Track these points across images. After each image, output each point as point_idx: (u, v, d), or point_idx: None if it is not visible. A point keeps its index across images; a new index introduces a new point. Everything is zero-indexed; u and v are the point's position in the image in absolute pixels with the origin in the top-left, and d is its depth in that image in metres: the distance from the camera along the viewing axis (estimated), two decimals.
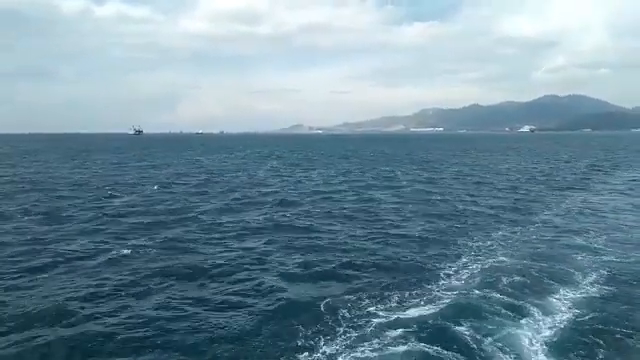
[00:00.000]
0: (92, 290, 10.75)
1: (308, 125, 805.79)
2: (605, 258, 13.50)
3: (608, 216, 20.10)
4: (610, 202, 23.93)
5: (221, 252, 14.23)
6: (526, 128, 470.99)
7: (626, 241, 15.64)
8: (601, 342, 8.34)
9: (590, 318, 9.32)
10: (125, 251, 14.01)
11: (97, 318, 9.29)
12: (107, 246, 14.68)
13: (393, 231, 17.20)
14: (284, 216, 19.84)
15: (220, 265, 12.78)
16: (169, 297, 10.45)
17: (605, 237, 16.07)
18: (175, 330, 8.85)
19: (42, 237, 15.75)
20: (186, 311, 9.71)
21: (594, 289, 10.98)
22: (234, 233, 16.73)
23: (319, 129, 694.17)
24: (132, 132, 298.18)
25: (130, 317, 9.36)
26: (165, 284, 11.31)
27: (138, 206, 22.23)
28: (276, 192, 27.39)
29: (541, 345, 8.22)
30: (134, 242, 15.26)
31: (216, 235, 16.41)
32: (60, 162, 54.15)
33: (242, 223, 18.45)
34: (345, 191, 27.89)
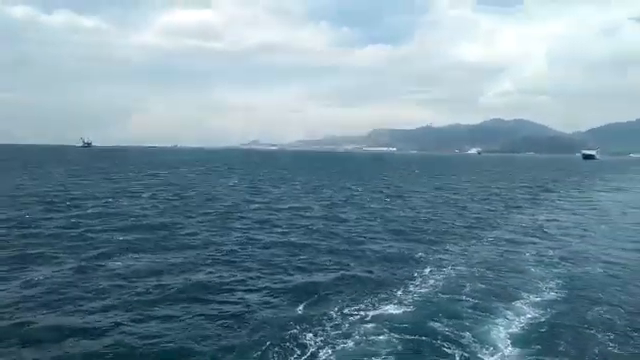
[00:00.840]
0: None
1: (265, 142, 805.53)
2: (555, 269, 15.55)
3: (553, 231, 22.57)
4: (557, 219, 26.68)
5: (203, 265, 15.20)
6: (474, 150, 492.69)
7: (573, 252, 17.92)
8: (556, 340, 10.03)
9: (545, 319, 11.06)
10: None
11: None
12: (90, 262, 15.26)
13: (361, 247, 18.58)
14: (261, 230, 20.95)
15: (206, 280, 13.81)
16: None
17: (553, 249, 18.31)
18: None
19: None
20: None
21: (548, 294, 12.86)
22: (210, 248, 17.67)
23: (275, 146, 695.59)
24: (81, 144, 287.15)
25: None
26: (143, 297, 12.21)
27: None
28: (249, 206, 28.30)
29: (504, 340, 9.81)
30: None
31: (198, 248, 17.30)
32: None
33: (219, 238, 19.39)
34: (311, 208, 29.16)
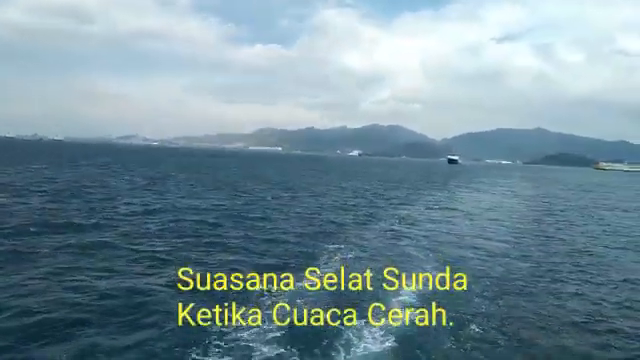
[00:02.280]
0: None
1: (143, 136, 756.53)
2: (432, 254, 17.78)
3: (427, 224, 25.43)
4: (430, 213, 29.93)
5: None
6: (355, 152, 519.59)
7: (447, 240, 20.49)
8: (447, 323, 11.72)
9: (430, 296, 12.80)
10: None
11: None
12: None
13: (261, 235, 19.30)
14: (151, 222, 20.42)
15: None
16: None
17: (429, 237, 20.79)
18: None
19: None
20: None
21: (427, 284, 14.73)
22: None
23: (155, 141, 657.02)
24: None
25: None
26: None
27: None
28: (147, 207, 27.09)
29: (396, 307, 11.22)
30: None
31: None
32: None
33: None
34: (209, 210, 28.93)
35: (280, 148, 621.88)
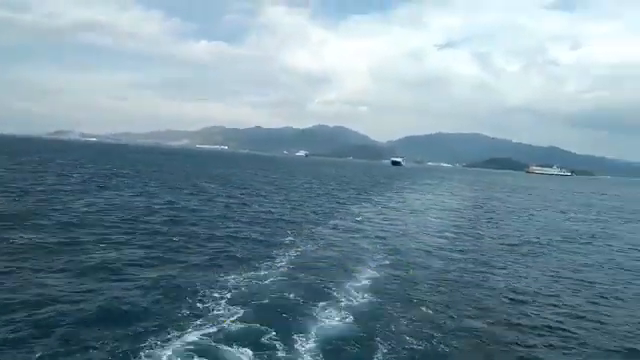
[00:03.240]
0: None
1: (80, 131, 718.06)
2: (381, 247, 19.52)
3: (377, 221, 27.30)
4: (378, 211, 31.89)
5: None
6: (302, 152, 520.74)
7: (394, 236, 22.35)
8: (385, 306, 13.33)
9: (379, 279, 14.41)
10: None
11: None
12: None
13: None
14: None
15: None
16: None
17: (377, 234, 22.58)
18: None
19: None
20: None
21: (378, 273, 16.38)
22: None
23: (94, 137, 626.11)
24: None
25: None
26: None
27: None
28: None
29: (343, 312, 12.70)
30: None
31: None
32: None
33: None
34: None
35: (226, 147, 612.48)
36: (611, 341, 10.98)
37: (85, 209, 22.64)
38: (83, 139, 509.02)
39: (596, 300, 14.24)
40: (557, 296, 14.29)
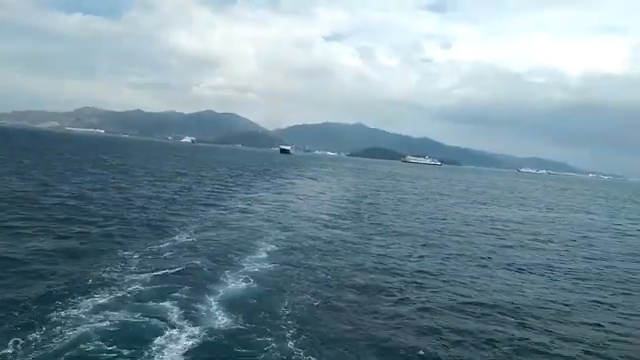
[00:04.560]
0: None
1: None
2: (277, 225, 21.64)
3: (267, 204, 29.37)
4: (266, 195, 33.96)
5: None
6: (188, 139, 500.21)
7: (287, 215, 24.56)
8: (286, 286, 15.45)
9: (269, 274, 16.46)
10: None
11: None
12: None
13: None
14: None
15: None
16: None
17: (271, 215, 24.67)
18: None
19: None
20: None
21: (276, 246, 18.44)
22: None
23: None
24: None
25: None
26: None
27: None
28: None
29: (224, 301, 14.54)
30: None
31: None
32: None
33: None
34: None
35: (103, 130, 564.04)
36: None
37: None
38: None
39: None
40: (410, 255, 17.70)
